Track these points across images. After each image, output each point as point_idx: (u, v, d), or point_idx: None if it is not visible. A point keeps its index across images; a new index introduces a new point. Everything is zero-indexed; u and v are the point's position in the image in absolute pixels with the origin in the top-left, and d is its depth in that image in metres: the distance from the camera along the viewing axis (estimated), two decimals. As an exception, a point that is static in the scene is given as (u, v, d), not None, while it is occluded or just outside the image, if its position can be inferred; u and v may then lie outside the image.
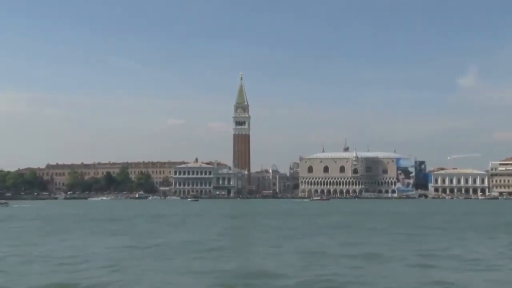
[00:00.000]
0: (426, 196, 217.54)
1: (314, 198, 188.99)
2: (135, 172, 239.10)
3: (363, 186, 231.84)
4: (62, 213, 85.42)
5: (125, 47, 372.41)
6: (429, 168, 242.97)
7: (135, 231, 45.74)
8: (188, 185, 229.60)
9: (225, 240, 37.92)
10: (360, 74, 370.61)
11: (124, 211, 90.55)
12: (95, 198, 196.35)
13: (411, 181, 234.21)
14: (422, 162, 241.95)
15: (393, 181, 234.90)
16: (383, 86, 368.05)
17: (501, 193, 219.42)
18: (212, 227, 49.89)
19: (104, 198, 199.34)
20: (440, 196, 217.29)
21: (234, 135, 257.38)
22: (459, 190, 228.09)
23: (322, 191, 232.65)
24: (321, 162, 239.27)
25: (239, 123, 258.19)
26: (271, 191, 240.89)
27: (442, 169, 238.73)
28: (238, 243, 36.36)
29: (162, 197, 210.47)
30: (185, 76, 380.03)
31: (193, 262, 26.08)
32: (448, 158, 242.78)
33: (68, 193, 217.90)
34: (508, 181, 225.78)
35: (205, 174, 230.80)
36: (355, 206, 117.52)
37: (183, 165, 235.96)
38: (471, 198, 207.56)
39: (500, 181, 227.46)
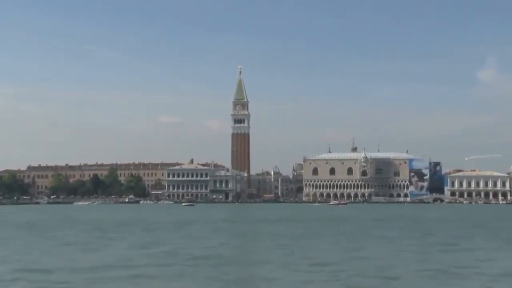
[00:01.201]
0: (441, 201, 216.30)
1: (332, 203, 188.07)
2: (124, 174, 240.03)
3: (372, 190, 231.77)
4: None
5: (113, 37, 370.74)
6: (445, 170, 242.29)
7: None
8: (183, 188, 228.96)
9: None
10: (370, 67, 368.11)
11: (107, 217, 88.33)
12: (81, 203, 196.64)
13: (425, 184, 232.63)
14: (438, 163, 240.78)
15: (405, 184, 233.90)
16: (395, 81, 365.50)
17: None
18: (208, 238, 48.10)
19: (87, 203, 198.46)
20: (457, 201, 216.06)
21: (233, 134, 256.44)
22: (478, 194, 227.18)
23: (328, 194, 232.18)
24: (327, 163, 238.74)
25: (238, 121, 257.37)
26: (272, 195, 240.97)
27: (459, 171, 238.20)
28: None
29: (155, 202, 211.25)
30: (179, 70, 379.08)
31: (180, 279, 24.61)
32: (466, 159, 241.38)
33: (52, 197, 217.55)
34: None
35: (201, 176, 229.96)
36: (383, 212, 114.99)
37: (177, 167, 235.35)
38: (491, 203, 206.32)
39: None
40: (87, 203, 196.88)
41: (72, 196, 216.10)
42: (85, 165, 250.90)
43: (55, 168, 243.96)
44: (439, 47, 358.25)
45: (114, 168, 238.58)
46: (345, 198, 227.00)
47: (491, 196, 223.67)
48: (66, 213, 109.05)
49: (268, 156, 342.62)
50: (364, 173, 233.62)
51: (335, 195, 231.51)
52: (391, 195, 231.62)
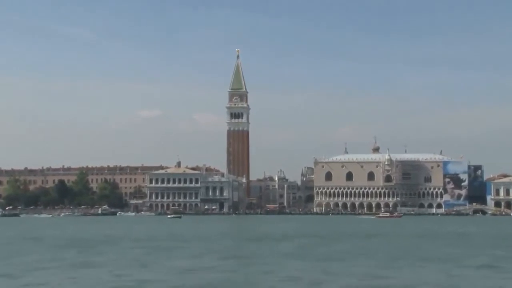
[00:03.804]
0: (484, 212, 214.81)
1: (381, 215, 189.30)
2: (97, 180, 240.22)
3: (398, 199, 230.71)
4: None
5: (81, 14, 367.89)
6: (487, 175, 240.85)
7: None
8: (168, 197, 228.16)
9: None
10: (396, 51, 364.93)
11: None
12: (44, 215, 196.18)
13: (463, 192, 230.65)
14: (478, 167, 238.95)
15: (439, 192, 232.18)
16: (427, 66, 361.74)
17: None
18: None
19: (51, 215, 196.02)
20: (503, 212, 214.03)
21: (229, 131, 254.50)
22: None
23: (344, 205, 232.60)
24: (343, 167, 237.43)
25: (234, 115, 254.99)
26: (277, 205, 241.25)
27: (506, 176, 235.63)
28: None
29: (134, 213, 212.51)
30: (164, 53, 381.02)
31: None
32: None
33: (7, 208, 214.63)
34: None
35: (190, 182, 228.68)
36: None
37: (160, 171, 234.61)
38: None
39: None
40: (50, 215, 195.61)
41: (32, 207, 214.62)
42: (49, 169, 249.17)
43: (11, 173, 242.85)
44: (483, 26, 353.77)
45: (84, 173, 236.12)
46: (365, 208, 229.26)
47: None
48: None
49: (272, 158, 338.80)
50: (388, 178, 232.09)
51: (353, 205, 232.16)
52: (421, 206, 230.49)
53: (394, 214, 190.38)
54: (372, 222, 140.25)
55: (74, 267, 43.15)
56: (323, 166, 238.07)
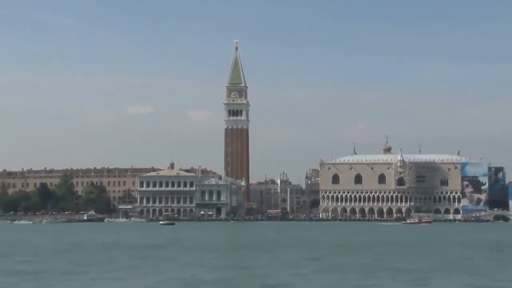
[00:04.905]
0: (506, 219, 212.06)
1: (408, 221, 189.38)
2: (82, 183, 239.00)
3: (412, 204, 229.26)
4: None
5: (64, 1, 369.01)
6: (509, 177, 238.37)
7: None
8: (160, 202, 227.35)
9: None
10: (410, 40, 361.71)
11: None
12: (23, 221, 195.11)
13: (483, 196, 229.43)
14: (500, 169, 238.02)
15: (456, 196, 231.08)
16: (444, 57, 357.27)
17: None
18: None
19: (31, 221, 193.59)
20: None
21: (227, 130, 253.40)
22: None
23: (353, 209, 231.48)
24: (351, 168, 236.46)
25: (233, 112, 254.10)
26: (279, 210, 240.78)
27: None
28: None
29: (124, 219, 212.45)
30: (155, 44, 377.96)
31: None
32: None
33: None
34: None
35: (185, 186, 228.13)
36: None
37: (152, 174, 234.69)
38: None
39: None
40: (31, 221, 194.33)
41: (11, 213, 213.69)
42: (30, 171, 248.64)
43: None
44: (504, 14, 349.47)
45: (68, 175, 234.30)
46: (375, 214, 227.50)
47: None
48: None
49: (273, 159, 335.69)
50: (400, 181, 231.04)
51: (362, 210, 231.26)
52: (437, 211, 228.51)
53: (422, 220, 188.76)
54: (409, 230, 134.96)
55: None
56: (329, 168, 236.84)
